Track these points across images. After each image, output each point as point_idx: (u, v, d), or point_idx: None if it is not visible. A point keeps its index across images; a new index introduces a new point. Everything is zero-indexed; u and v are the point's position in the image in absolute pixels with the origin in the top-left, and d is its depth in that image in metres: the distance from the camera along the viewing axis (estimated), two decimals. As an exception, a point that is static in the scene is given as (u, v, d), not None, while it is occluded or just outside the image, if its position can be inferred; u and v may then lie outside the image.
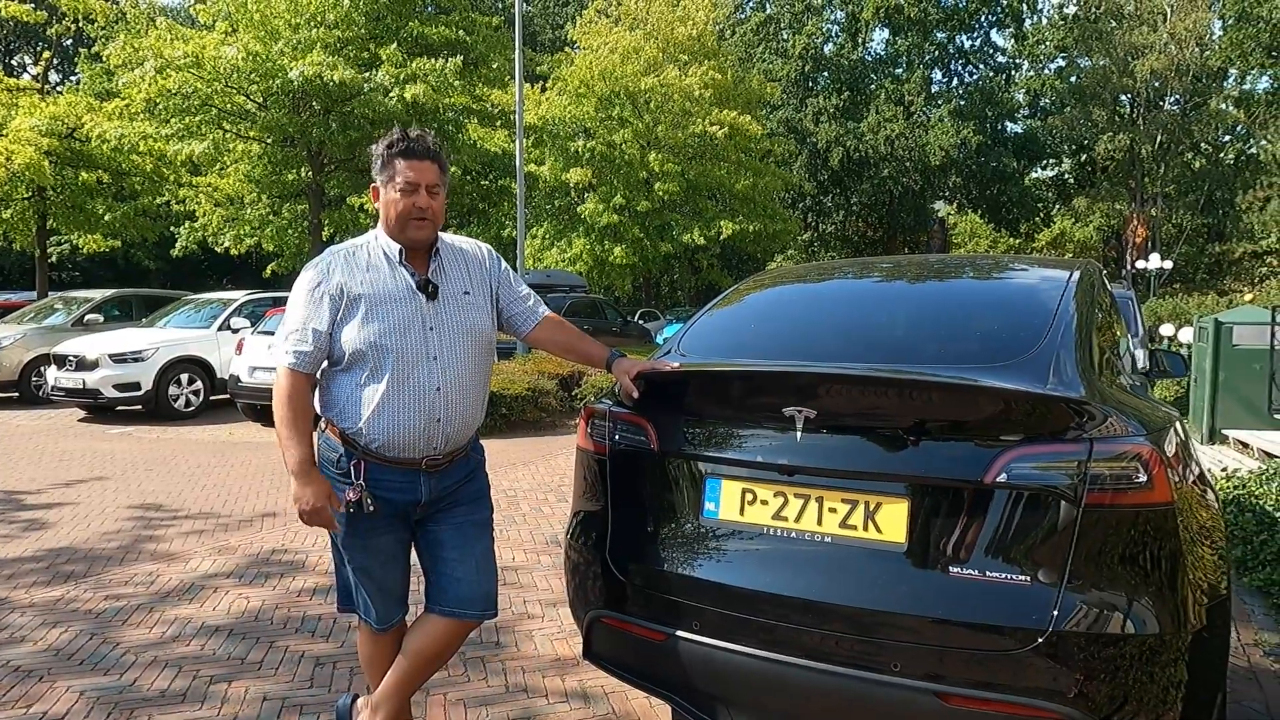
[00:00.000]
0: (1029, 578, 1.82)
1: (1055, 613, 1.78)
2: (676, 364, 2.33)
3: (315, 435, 2.27)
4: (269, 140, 15.13)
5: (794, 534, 2.03)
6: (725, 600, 2.06)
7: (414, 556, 2.39)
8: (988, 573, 1.84)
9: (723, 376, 2.27)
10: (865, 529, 1.95)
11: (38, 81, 20.20)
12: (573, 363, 9.51)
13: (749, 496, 2.10)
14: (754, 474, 2.10)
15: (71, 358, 10.07)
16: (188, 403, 10.42)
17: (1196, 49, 31.62)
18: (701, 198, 23.84)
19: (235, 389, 9.78)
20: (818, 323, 2.63)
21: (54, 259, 26.26)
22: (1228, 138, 34.78)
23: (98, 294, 13.28)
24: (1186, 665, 1.84)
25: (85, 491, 6.33)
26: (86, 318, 12.23)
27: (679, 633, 2.11)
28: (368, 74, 14.46)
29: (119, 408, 10.30)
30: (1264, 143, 31.10)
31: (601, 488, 2.37)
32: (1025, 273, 2.90)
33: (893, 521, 1.93)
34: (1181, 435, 2.31)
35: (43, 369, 11.14)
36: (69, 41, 29.74)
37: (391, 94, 14.22)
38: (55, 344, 10.78)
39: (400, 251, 2.24)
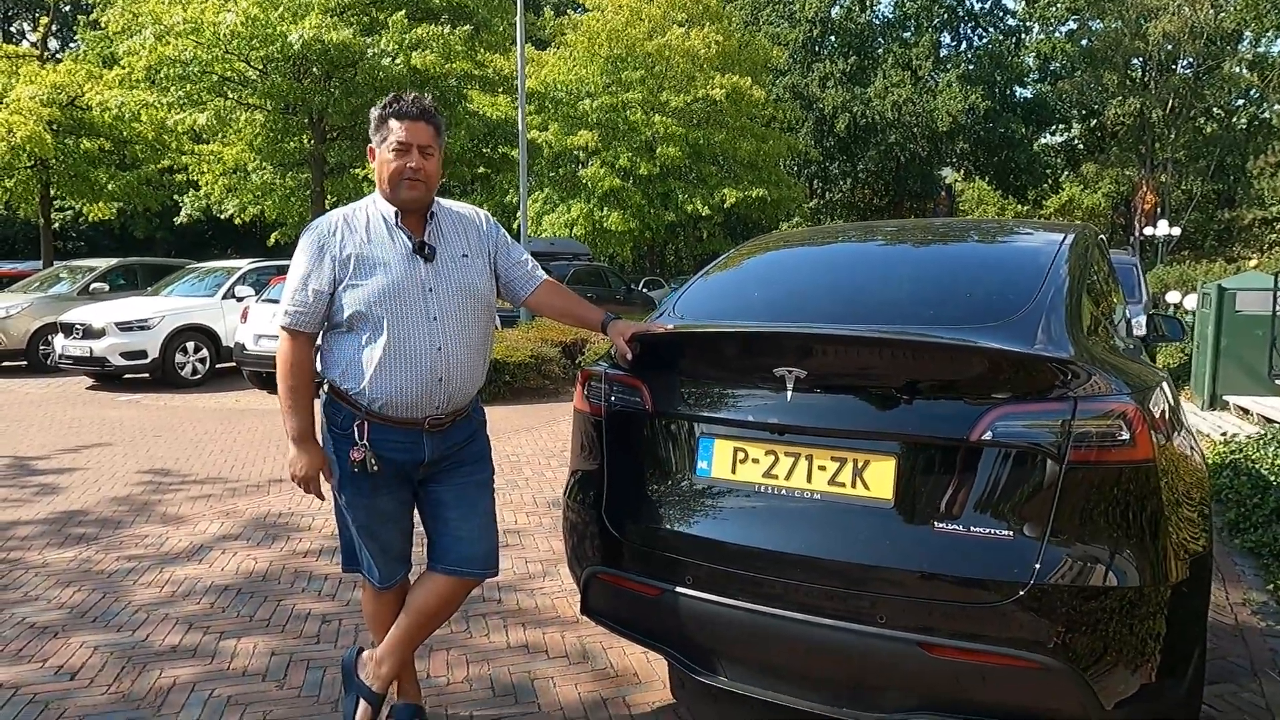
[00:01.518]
0: (1013, 533, 1.87)
1: (1038, 566, 1.83)
2: (670, 326, 2.37)
3: (319, 396, 2.32)
4: (270, 107, 15.03)
5: (784, 491, 2.07)
6: (717, 556, 2.11)
7: (416, 516, 2.45)
8: (972, 528, 1.89)
9: (715, 338, 2.30)
10: (854, 486, 2.00)
11: (37, 48, 20.07)
12: (573, 328, 9.55)
13: (741, 455, 2.14)
14: (746, 433, 2.14)
15: (78, 326, 10.14)
16: (194, 370, 10.49)
17: (1210, 10, 30.99)
18: (705, 164, 23.67)
19: (241, 357, 9.84)
20: (811, 285, 2.66)
21: (58, 227, 26.27)
22: (1240, 102, 34.26)
23: (102, 263, 13.32)
24: (1166, 618, 1.89)
25: (95, 457, 6.42)
26: (92, 286, 12.28)
27: (673, 588, 2.17)
28: (369, 38, 14.31)
29: (126, 376, 10.39)
30: (1277, 107, 30.64)
31: (598, 448, 2.41)
32: (1020, 236, 2.92)
33: (880, 479, 1.97)
34: (1169, 396, 2.34)
35: (50, 337, 11.22)
36: (67, 7, 29.45)
37: (397, 60, 14.07)
38: (61, 312, 10.84)
39: (396, 214, 2.26)
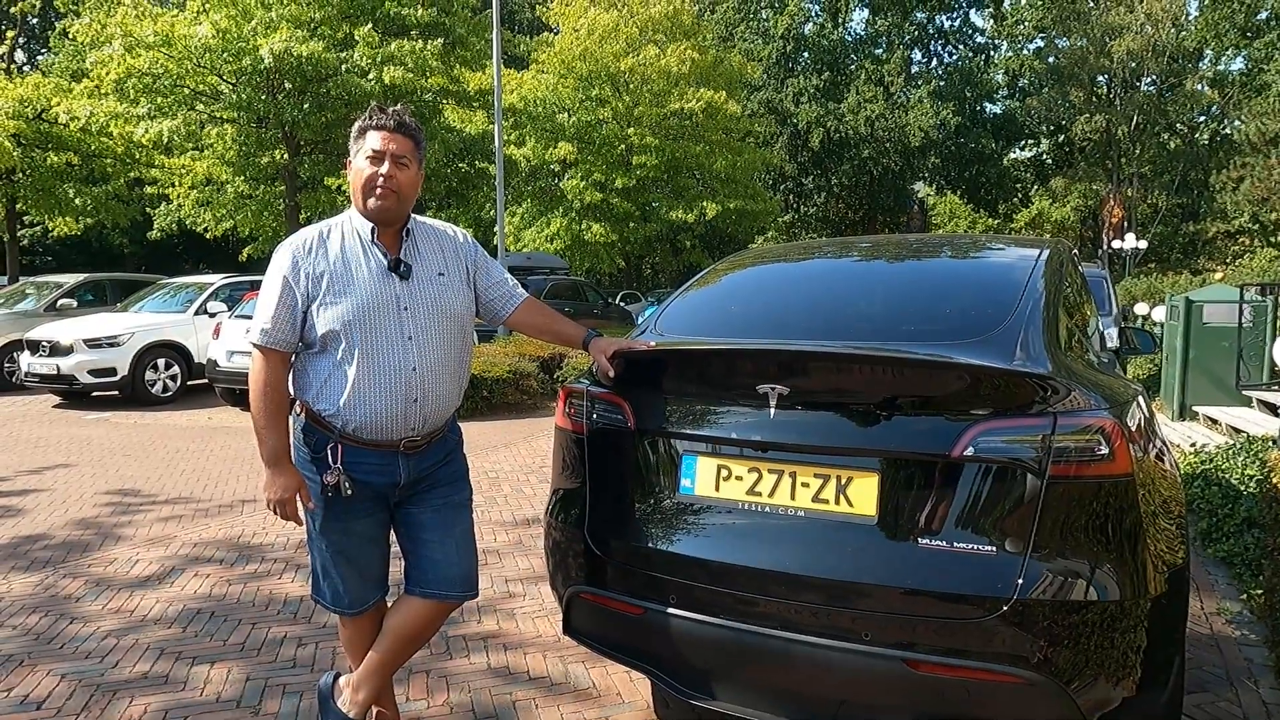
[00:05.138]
0: (995, 548, 1.87)
1: (1020, 581, 1.83)
2: (652, 343, 2.36)
3: (290, 419, 2.28)
4: (242, 120, 14.91)
5: (768, 509, 2.06)
6: (701, 574, 2.09)
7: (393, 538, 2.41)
8: (955, 544, 1.89)
9: (697, 355, 2.29)
10: (837, 503, 1.99)
11: (3, 61, 19.78)
12: (552, 344, 9.52)
13: (724, 472, 2.13)
14: (729, 450, 2.13)
15: (45, 343, 9.94)
16: (165, 388, 10.32)
17: (1172, 29, 31.82)
18: (682, 176, 23.85)
19: (213, 373, 9.71)
20: (792, 301, 2.66)
21: (24, 242, 25.81)
22: (1202, 118, 35.09)
23: (70, 278, 13.09)
24: (1146, 631, 1.90)
25: (61, 478, 6.28)
26: (59, 303, 12.06)
27: (656, 607, 2.15)
28: (342, 53, 14.26)
29: (95, 393, 10.20)
30: (1237, 123, 31.39)
31: (580, 466, 2.39)
32: (995, 251, 2.95)
33: (863, 495, 1.97)
34: (1145, 410, 2.36)
35: (15, 355, 10.99)
36: (34, 20, 29.06)
37: (369, 75, 14.05)
38: (28, 329, 10.63)
39: (372, 231, 2.23)
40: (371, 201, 2.19)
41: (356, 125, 2.24)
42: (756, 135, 29.18)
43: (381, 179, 2.17)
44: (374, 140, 2.19)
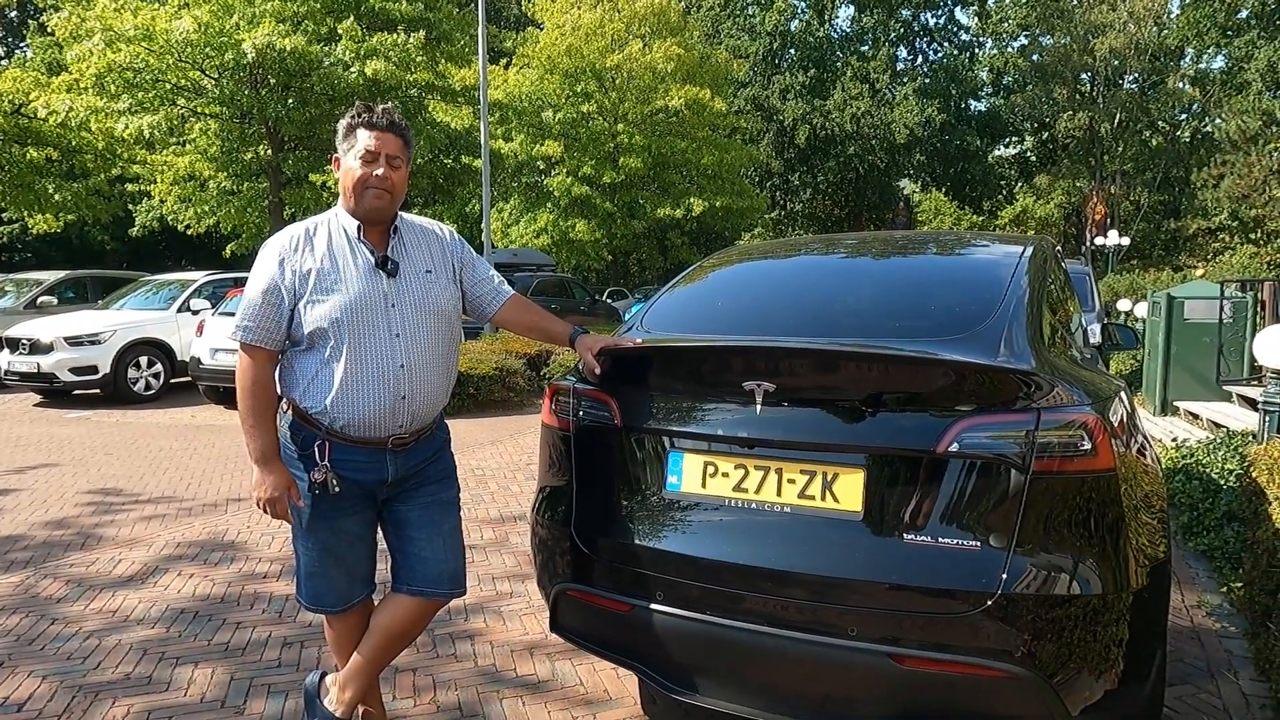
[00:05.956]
0: (979, 543, 1.89)
1: (1004, 576, 1.84)
2: (638, 340, 2.36)
3: (278, 417, 2.26)
4: (226, 115, 14.77)
5: (754, 505, 2.07)
6: (688, 571, 2.10)
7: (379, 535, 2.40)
8: (940, 539, 1.90)
9: (684, 352, 2.29)
10: (823, 499, 2.00)
11: (-20, 55, 19.51)
12: (539, 341, 9.50)
13: (710, 469, 2.13)
14: (715, 447, 2.14)
15: (25, 341, 9.83)
16: (148, 386, 10.23)
17: (1154, 28, 32.09)
18: (668, 172, 23.88)
19: (197, 371, 9.63)
20: (778, 298, 2.67)
21: (3, 239, 25.50)
22: (1184, 116, 35.41)
23: (50, 275, 12.95)
24: (1128, 624, 1.92)
25: (42, 477, 6.21)
26: (39, 300, 11.93)
27: (643, 603, 2.15)
28: (326, 48, 14.15)
29: (76, 392, 10.09)
30: (1218, 121, 31.72)
31: (566, 463, 2.39)
32: (980, 248, 2.96)
33: (849, 491, 1.98)
34: (1127, 405, 2.39)
35: (-6, 353, 10.84)
36: (13, 13, 28.67)
37: (351, 69, 13.96)
38: (7, 327, 10.50)
39: (359, 228, 2.22)
40: (367, 201, 2.19)
41: (344, 122, 2.22)
42: (743, 132, 29.21)
43: (376, 180, 2.17)
44: (366, 140, 2.17)
